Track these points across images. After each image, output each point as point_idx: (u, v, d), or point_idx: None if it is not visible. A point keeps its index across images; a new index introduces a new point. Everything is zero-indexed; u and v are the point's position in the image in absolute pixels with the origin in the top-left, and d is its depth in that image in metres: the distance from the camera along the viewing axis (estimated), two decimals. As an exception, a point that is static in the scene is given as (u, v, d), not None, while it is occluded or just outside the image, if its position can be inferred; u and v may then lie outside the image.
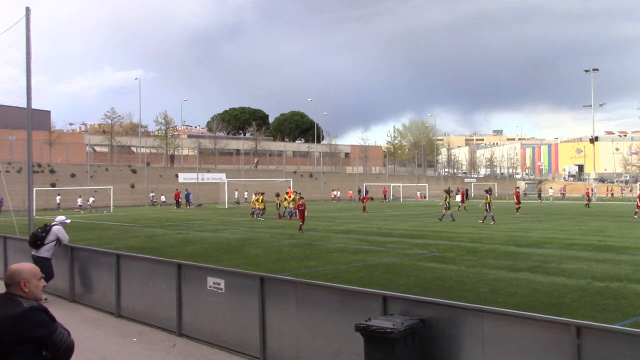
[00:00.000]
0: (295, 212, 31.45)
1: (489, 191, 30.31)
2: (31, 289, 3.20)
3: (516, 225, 25.80)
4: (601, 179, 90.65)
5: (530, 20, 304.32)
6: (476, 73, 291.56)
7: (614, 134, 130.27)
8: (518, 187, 43.61)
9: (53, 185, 52.61)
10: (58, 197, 50.02)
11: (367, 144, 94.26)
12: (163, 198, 57.76)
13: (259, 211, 32.80)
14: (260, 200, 33.02)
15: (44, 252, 10.19)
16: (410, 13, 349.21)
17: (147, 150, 68.07)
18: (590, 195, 48.49)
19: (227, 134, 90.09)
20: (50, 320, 3.12)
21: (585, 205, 45.12)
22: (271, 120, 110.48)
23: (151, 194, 57.98)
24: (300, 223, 23.08)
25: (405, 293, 7.44)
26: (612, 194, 75.56)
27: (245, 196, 61.13)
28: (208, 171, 65.69)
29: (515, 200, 34.98)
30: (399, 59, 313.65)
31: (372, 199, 46.45)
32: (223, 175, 61.30)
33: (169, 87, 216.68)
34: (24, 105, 14.99)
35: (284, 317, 6.40)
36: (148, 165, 63.55)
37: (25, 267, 3.29)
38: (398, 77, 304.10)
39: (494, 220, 27.21)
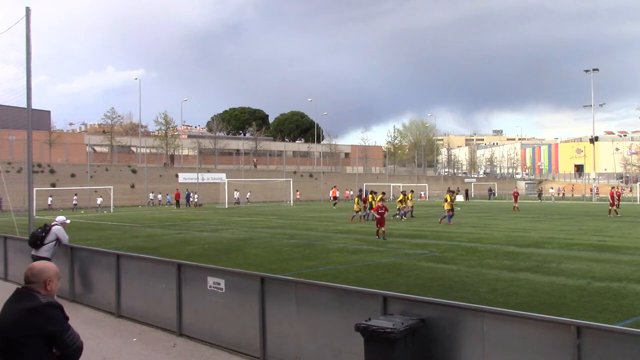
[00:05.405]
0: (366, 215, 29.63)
1: (404, 192, 31.81)
2: (53, 288, 3.30)
3: (516, 225, 25.79)
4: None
5: (531, 20, 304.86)
6: (477, 73, 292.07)
7: (614, 134, 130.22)
8: (615, 187, 40.46)
9: (53, 185, 52.61)
10: (50, 198, 49.15)
11: (367, 144, 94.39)
12: (159, 197, 57.90)
13: (399, 211, 30.98)
14: (400, 200, 31.22)
15: (44, 252, 10.17)
16: (410, 13, 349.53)
17: (147, 150, 68.06)
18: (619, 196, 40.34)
19: (227, 134, 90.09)
20: (64, 319, 3.18)
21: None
22: (271, 120, 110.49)
23: (150, 195, 58.01)
24: (378, 228, 19.82)
25: (406, 293, 7.44)
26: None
27: (247, 196, 61.10)
28: (208, 171, 65.72)
29: (611, 201, 32.66)
30: (399, 58, 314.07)
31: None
32: (223, 175, 61.33)
33: (169, 87, 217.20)
34: (25, 105, 14.98)
35: (284, 317, 6.39)
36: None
37: (51, 266, 3.38)
38: (398, 77, 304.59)
39: (398, 218, 28.36)
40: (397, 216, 30.40)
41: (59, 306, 3.19)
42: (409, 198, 31.69)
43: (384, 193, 29.46)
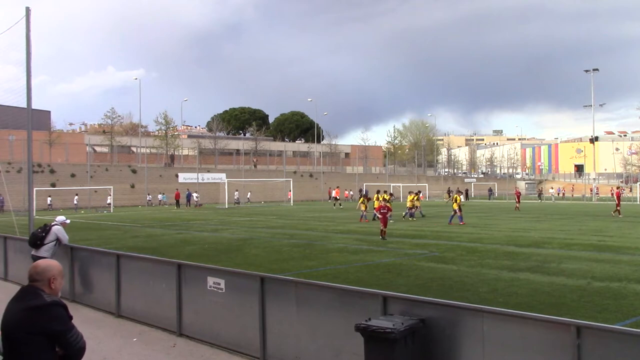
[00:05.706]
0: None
1: (413, 192, 32.54)
2: (57, 286, 3.31)
3: (516, 225, 25.79)
4: None
5: (531, 20, 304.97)
6: (477, 73, 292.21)
7: (614, 134, 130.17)
8: (619, 188, 39.71)
9: (53, 185, 52.61)
10: (49, 198, 49.08)
11: (367, 144, 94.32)
12: (159, 197, 58.18)
13: (409, 211, 31.10)
14: (412, 200, 31.25)
15: (44, 252, 10.16)
16: (410, 13, 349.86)
17: (147, 150, 68.06)
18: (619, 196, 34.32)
19: (227, 134, 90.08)
20: (68, 318, 3.20)
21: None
22: (271, 120, 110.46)
23: (149, 196, 57.88)
24: (381, 228, 19.71)
25: (406, 293, 7.44)
26: (612, 194, 75.38)
27: (248, 196, 61.03)
28: (208, 171, 65.70)
29: (617, 202, 31.67)
30: (399, 58, 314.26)
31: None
32: (223, 175, 61.31)
33: (169, 87, 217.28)
34: (25, 105, 14.97)
35: (284, 317, 6.39)
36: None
37: (55, 264, 3.39)
38: (398, 77, 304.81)
39: (409, 218, 29.71)
40: (407, 216, 30.62)
41: (63, 305, 3.20)
42: (416, 198, 31.87)
43: (391, 194, 29.47)
